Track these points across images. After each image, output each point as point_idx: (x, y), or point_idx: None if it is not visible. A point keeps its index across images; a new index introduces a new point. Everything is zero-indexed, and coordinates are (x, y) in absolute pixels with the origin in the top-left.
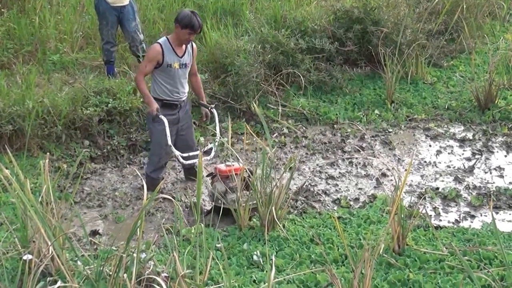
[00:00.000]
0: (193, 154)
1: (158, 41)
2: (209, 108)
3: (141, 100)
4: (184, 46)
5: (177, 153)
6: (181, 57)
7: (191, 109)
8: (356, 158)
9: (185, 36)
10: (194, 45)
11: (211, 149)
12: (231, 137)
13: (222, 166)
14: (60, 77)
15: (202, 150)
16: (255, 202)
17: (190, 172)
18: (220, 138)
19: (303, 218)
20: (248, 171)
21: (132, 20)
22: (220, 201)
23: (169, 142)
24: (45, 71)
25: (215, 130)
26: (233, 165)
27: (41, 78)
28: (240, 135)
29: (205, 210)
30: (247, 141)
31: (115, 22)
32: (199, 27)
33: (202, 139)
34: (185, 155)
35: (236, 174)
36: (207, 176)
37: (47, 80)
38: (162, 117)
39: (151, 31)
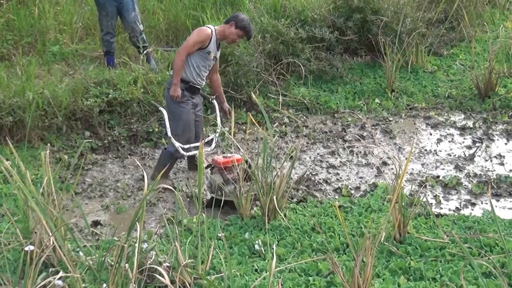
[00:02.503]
0: (194, 146)
1: (209, 26)
2: (210, 99)
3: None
4: (221, 42)
5: (177, 144)
6: (218, 50)
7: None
8: (357, 147)
9: (234, 36)
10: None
11: (212, 139)
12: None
13: (219, 158)
14: (60, 68)
15: (203, 141)
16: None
17: (194, 162)
18: (221, 128)
19: (304, 207)
20: (247, 162)
21: (132, 11)
22: (218, 193)
23: (169, 134)
24: (45, 62)
25: (216, 120)
26: (231, 156)
27: (41, 69)
28: (241, 124)
29: (205, 201)
30: (248, 131)
31: (115, 12)
32: (251, 37)
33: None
34: (186, 146)
35: (234, 165)
36: (206, 167)
37: (47, 71)
38: (161, 109)
39: (151, 22)
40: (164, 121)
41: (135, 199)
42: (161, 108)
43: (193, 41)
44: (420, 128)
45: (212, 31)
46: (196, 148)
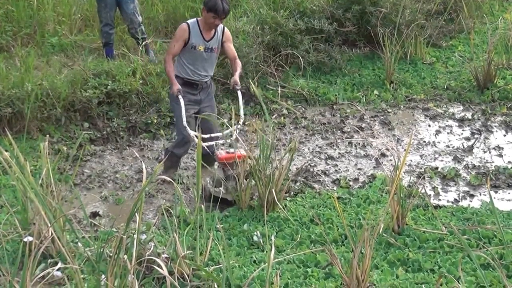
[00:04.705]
0: (207, 137)
1: (187, 21)
2: (236, 88)
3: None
4: (213, 30)
5: (192, 133)
6: (208, 41)
7: (215, 92)
8: (356, 138)
9: (209, 19)
10: (227, 29)
11: (231, 133)
12: (230, 118)
13: (221, 153)
14: (59, 59)
15: (222, 134)
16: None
17: (204, 159)
18: (242, 121)
19: (303, 199)
20: (251, 158)
21: (131, 2)
22: (216, 189)
23: (185, 123)
24: (43, 54)
25: (239, 112)
26: (234, 152)
27: (40, 61)
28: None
29: (205, 195)
30: (247, 122)
31: (114, 4)
32: (224, 12)
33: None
34: (206, 136)
35: (236, 160)
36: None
37: (46, 62)
38: (180, 97)
39: (150, 13)
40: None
41: (133, 190)
42: (179, 96)
43: (172, 42)
44: (419, 120)
45: (189, 24)
46: (206, 140)
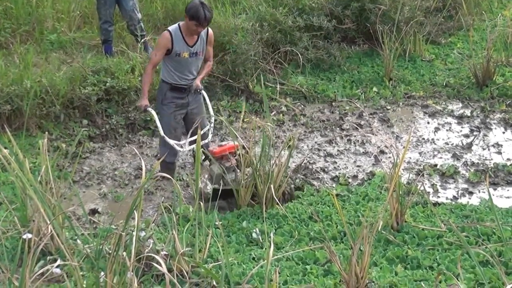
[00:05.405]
0: (190, 140)
1: (169, 28)
2: (198, 91)
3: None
4: (201, 35)
5: (171, 142)
6: (192, 46)
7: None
8: (355, 135)
9: (192, 27)
10: (211, 31)
11: (208, 131)
12: (229, 116)
13: (215, 148)
14: (58, 56)
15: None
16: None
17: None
18: (213, 117)
19: (302, 196)
20: (243, 147)
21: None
22: (219, 183)
23: (162, 133)
24: (42, 51)
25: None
26: (226, 144)
27: (38, 58)
28: (239, 113)
29: (207, 193)
30: (245, 119)
31: (113, 1)
32: (206, 20)
33: None
34: (181, 142)
35: (230, 152)
36: (203, 160)
37: (45, 59)
38: (150, 109)
39: (149, 10)
40: (155, 122)
41: (132, 187)
42: (149, 109)
43: (154, 51)
44: (418, 117)
45: (171, 32)
46: (193, 142)
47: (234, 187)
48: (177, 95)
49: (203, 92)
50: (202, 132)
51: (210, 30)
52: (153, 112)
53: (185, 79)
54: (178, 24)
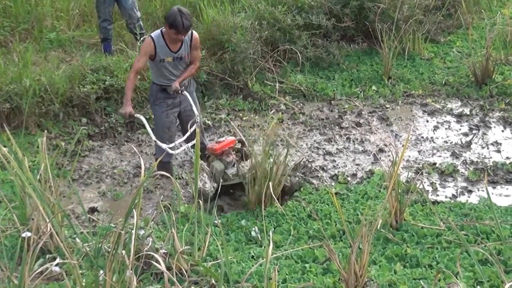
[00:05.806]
0: (180, 142)
1: (151, 34)
2: (180, 91)
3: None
4: (185, 40)
5: (163, 146)
6: (176, 52)
7: (196, 90)
8: (354, 134)
9: (172, 35)
10: (195, 34)
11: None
12: (228, 114)
13: (214, 145)
14: (57, 55)
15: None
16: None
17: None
18: (199, 116)
19: (301, 194)
20: (240, 142)
21: None
22: (223, 179)
23: (154, 138)
24: (41, 49)
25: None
26: (225, 139)
27: (38, 56)
28: (238, 111)
29: (210, 192)
30: (244, 118)
31: None
32: (184, 28)
33: None
34: (171, 145)
35: (230, 147)
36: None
37: (44, 58)
38: (138, 115)
39: (148, 9)
40: (145, 127)
41: (131, 186)
42: (136, 115)
43: (137, 59)
44: (417, 115)
45: (154, 39)
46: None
47: (237, 181)
48: (167, 95)
49: (185, 92)
50: (198, 130)
51: (194, 34)
52: (142, 118)
53: (172, 80)
54: (161, 31)
